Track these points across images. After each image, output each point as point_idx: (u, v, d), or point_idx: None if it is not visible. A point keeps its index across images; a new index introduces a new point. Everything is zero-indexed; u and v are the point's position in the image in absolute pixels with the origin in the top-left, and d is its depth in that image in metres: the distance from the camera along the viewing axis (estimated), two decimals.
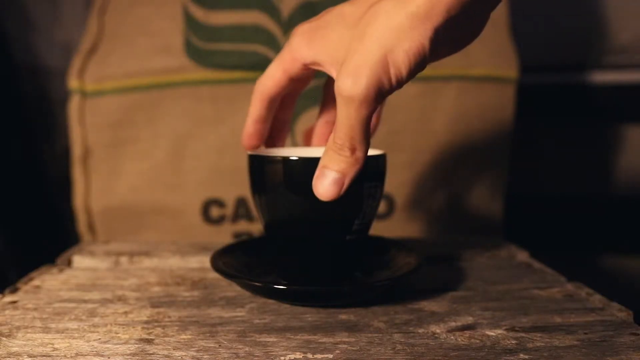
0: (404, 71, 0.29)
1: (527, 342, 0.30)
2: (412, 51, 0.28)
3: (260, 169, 0.36)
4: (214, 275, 0.41)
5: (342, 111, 0.29)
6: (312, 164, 0.34)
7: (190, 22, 0.62)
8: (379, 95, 0.29)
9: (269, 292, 0.35)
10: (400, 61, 0.28)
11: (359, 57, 0.28)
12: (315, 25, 0.34)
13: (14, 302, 0.36)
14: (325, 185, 0.31)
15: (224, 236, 0.61)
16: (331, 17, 0.33)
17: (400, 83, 0.29)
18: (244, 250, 0.41)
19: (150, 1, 0.63)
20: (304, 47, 0.34)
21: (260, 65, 0.60)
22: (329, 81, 0.40)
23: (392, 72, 0.29)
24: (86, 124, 0.60)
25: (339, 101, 0.29)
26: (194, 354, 0.29)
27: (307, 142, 0.42)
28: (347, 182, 0.31)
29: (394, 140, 0.60)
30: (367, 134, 0.30)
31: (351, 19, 0.32)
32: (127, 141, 0.61)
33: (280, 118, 0.40)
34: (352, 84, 0.28)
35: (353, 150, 0.30)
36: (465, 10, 0.28)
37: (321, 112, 0.40)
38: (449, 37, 0.30)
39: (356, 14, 0.31)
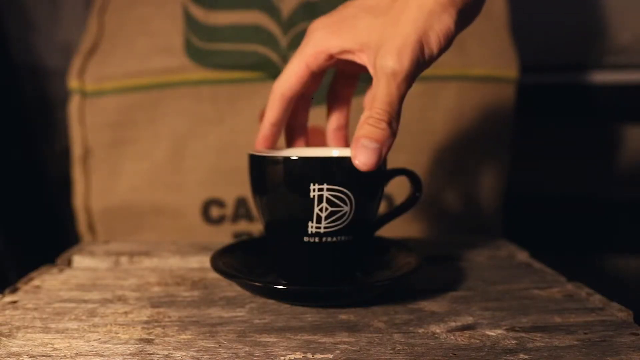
0: (435, 50, 0.32)
1: (527, 342, 0.30)
2: (442, 33, 0.32)
3: (260, 169, 0.36)
4: (214, 275, 0.41)
5: (383, 88, 0.32)
6: (312, 164, 0.34)
7: (190, 22, 0.62)
8: (417, 71, 0.32)
9: (269, 292, 0.35)
10: (433, 42, 0.32)
11: (398, 39, 0.32)
12: (339, 18, 0.35)
13: (14, 302, 0.36)
14: (366, 154, 0.32)
15: (224, 236, 0.61)
16: (354, 9, 0.35)
17: (432, 61, 0.33)
18: (244, 250, 0.41)
19: (150, 1, 0.63)
20: (332, 37, 0.35)
21: (260, 65, 0.60)
22: (334, 86, 0.41)
23: (426, 51, 0.32)
24: (86, 124, 0.60)
25: (381, 79, 0.32)
26: (194, 354, 0.29)
27: (314, 141, 0.42)
28: (384, 152, 0.32)
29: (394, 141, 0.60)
30: (400, 111, 0.33)
31: (377, 10, 0.34)
32: (127, 141, 0.61)
33: (299, 123, 0.41)
34: (395, 62, 0.31)
35: (390, 124, 0.32)
36: None
37: (330, 116, 0.41)
38: (464, 16, 0.33)
39: (382, 5, 0.34)
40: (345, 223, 0.34)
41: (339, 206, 0.34)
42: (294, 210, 0.35)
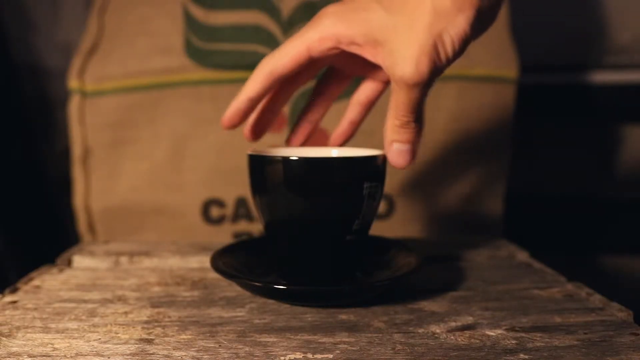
0: (450, 54, 0.32)
1: (527, 342, 0.30)
2: (457, 36, 0.32)
3: (260, 169, 0.36)
4: (214, 275, 0.41)
5: (405, 97, 0.33)
6: (312, 164, 0.34)
7: (190, 22, 0.62)
8: (435, 76, 0.33)
9: (269, 292, 0.35)
10: (448, 45, 0.32)
11: (415, 46, 0.32)
12: (351, 7, 0.35)
13: (14, 302, 0.36)
14: (401, 156, 0.35)
15: (224, 236, 0.61)
16: (365, 1, 0.34)
17: (448, 64, 0.33)
18: (244, 250, 0.41)
19: (150, 1, 0.63)
20: (340, 26, 0.35)
21: None
22: (325, 82, 0.40)
23: (442, 56, 0.32)
24: (86, 124, 0.60)
25: (402, 88, 0.33)
26: (194, 354, 0.29)
27: (316, 142, 0.42)
28: (416, 148, 0.35)
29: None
30: (424, 106, 0.34)
31: (388, 3, 0.33)
32: (127, 141, 0.61)
33: (275, 109, 0.40)
34: (415, 73, 0.32)
35: (416, 123, 0.34)
36: None
37: (308, 109, 0.41)
38: (483, 17, 0.33)
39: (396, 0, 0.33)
40: (375, 217, 0.37)
41: (378, 202, 0.36)
42: (343, 209, 0.35)
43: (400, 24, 0.32)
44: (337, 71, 0.40)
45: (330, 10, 0.35)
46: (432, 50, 0.31)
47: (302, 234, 0.36)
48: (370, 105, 0.40)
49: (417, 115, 0.34)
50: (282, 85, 0.39)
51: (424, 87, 0.32)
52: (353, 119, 0.41)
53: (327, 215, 0.35)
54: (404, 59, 0.32)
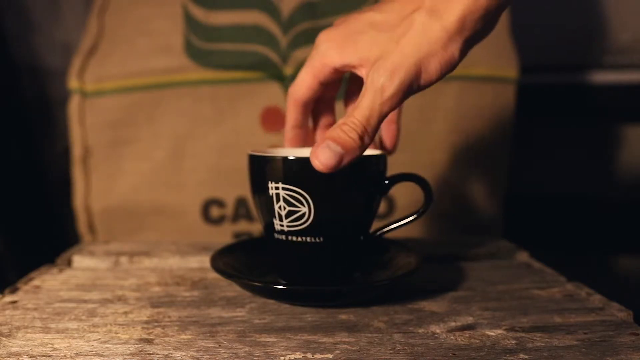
0: (434, 77, 0.32)
1: (527, 342, 0.30)
2: (444, 60, 0.31)
3: (260, 168, 0.36)
4: (214, 275, 0.41)
5: (367, 100, 0.32)
6: (267, 162, 0.35)
7: (190, 22, 0.62)
8: (407, 94, 0.32)
9: (269, 292, 0.35)
10: (432, 68, 0.31)
11: (396, 58, 0.31)
12: (345, 30, 0.35)
13: (14, 302, 0.36)
14: (326, 155, 0.31)
15: (224, 236, 0.61)
16: (361, 24, 0.34)
17: (427, 86, 0.32)
18: (244, 250, 0.41)
19: (150, 1, 0.63)
20: (334, 51, 0.35)
21: (260, 65, 0.60)
22: (350, 89, 0.41)
23: (423, 76, 0.31)
24: (86, 124, 0.60)
25: (368, 91, 0.31)
26: (194, 354, 0.29)
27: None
28: (345, 161, 0.31)
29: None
30: (377, 128, 0.32)
31: (384, 26, 0.33)
32: (127, 141, 0.61)
33: (324, 123, 0.41)
34: (386, 79, 0.31)
35: (361, 137, 0.32)
36: (488, 21, 0.32)
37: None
38: (472, 42, 0.32)
39: (389, 22, 0.33)
40: (307, 224, 0.34)
41: (296, 206, 0.34)
42: (263, 207, 0.36)
43: (389, 40, 0.32)
44: (356, 78, 0.40)
45: (325, 37, 0.36)
46: (413, 68, 0.31)
47: (302, 234, 0.36)
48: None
49: (366, 130, 0.32)
50: (317, 104, 0.40)
51: (389, 98, 0.31)
52: (391, 118, 0.41)
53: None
54: (381, 65, 0.31)
